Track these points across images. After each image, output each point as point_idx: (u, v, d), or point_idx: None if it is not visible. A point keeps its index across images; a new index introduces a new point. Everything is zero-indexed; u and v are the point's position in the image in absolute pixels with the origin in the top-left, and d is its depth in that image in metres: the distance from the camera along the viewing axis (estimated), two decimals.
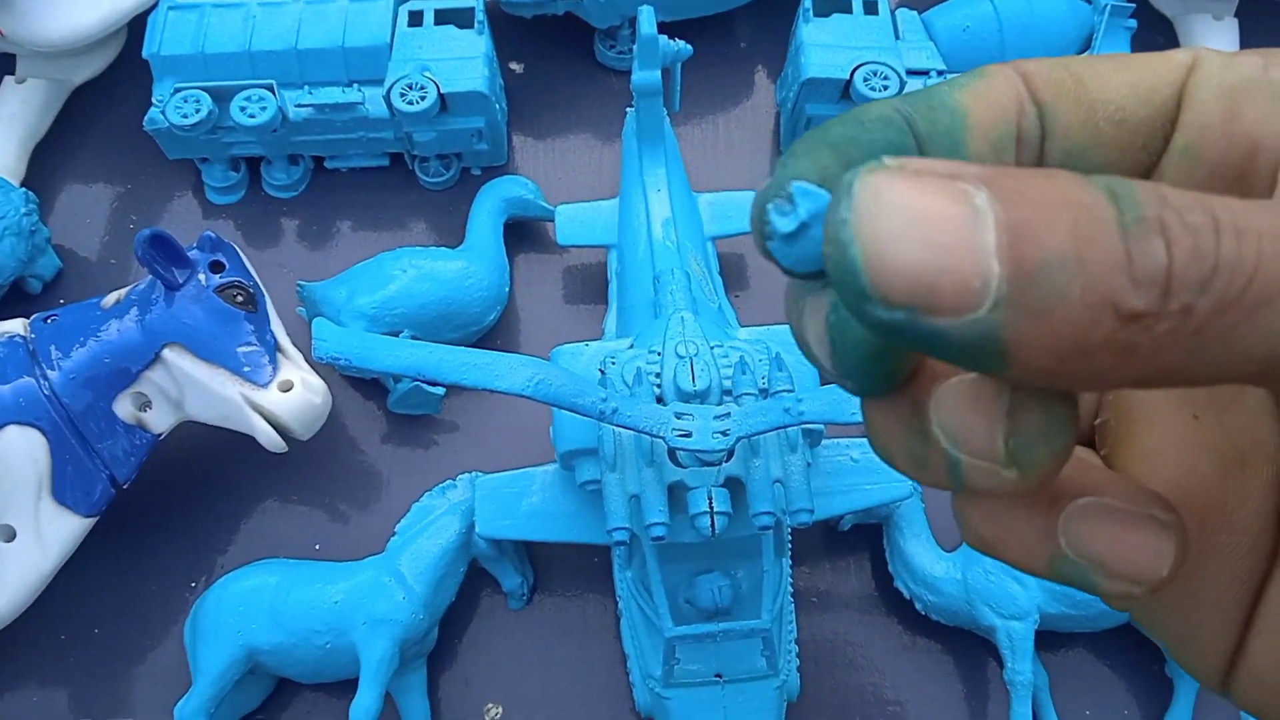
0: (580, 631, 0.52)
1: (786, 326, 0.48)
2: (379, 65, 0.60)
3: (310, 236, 0.63)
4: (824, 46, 0.59)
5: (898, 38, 0.60)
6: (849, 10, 0.61)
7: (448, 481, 0.51)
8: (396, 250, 0.58)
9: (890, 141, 0.15)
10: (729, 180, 0.62)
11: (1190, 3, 0.65)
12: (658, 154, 0.53)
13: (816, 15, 0.60)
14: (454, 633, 0.52)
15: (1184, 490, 0.16)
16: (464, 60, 0.59)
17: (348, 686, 0.48)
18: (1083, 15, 0.61)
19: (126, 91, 0.66)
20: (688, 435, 0.37)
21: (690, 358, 0.41)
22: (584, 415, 0.37)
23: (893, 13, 0.61)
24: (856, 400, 0.39)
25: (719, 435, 0.37)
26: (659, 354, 0.41)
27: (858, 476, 0.47)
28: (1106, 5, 0.59)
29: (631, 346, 0.43)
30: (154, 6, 0.62)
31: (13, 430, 0.46)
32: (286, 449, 0.48)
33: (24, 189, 0.59)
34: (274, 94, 0.59)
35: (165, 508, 0.55)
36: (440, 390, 0.55)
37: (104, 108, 0.67)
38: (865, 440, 0.47)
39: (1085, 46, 0.61)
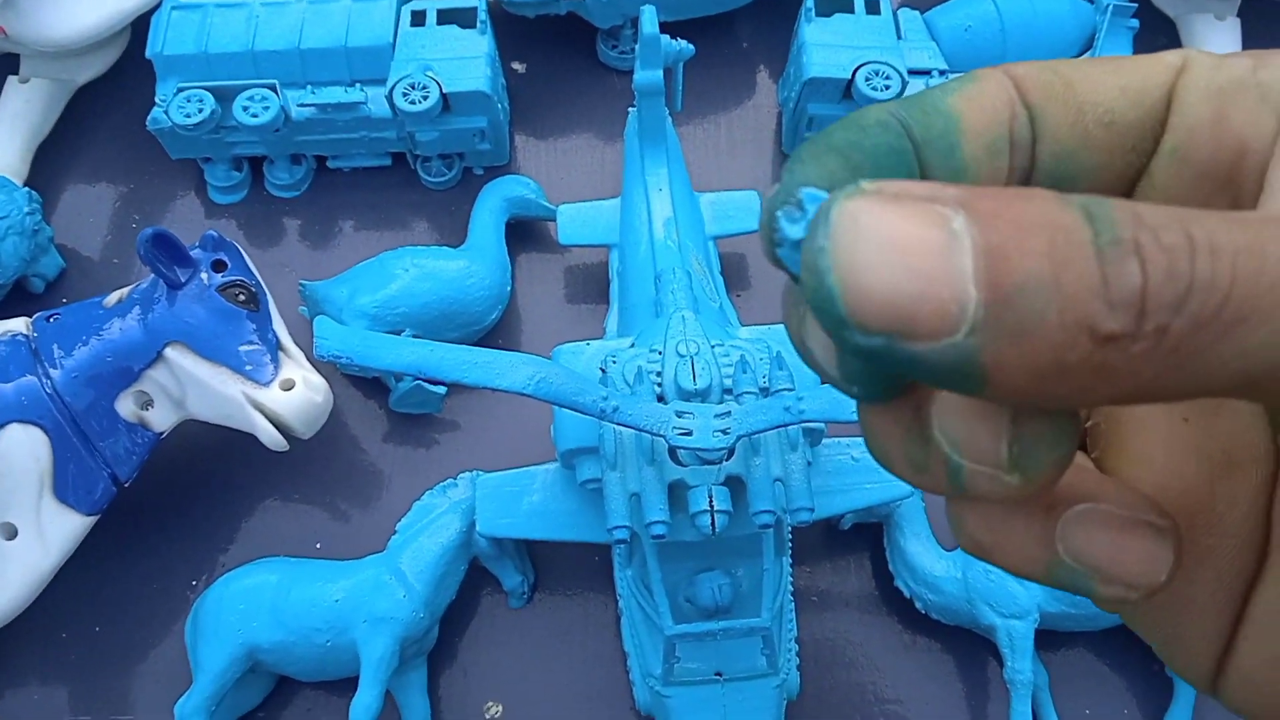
0: (580, 630, 0.52)
1: None
2: (381, 65, 0.60)
3: (312, 236, 0.63)
4: (826, 46, 0.59)
5: (900, 38, 0.60)
6: (851, 10, 0.61)
7: (448, 480, 0.51)
8: (398, 249, 0.58)
9: (891, 146, 0.15)
10: (730, 180, 0.62)
11: (1192, 3, 0.65)
12: (659, 154, 0.53)
13: (818, 15, 0.60)
14: (454, 631, 0.52)
15: (1174, 493, 0.16)
16: (466, 60, 0.60)
17: (348, 685, 0.48)
18: (1085, 15, 0.61)
19: (130, 91, 0.66)
20: (688, 434, 0.37)
21: (691, 356, 0.41)
22: (585, 414, 0.37)
23: (895, 12, 0.61)
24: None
25: (719, 434, 0.37)
26: (660, 353, 0.41)
27: (858, 475, 0.47)
28: (1109, 5, 0.59)
29: (632, 345, 0.44)
30: (157, 6, 0.62)
31: (15, 428, 0.46)
32: (288, 447, 0.49)
33: (27, 188, 0.59)
34: (277, 93, 0.59)
35: (167, 506, 0.55)
36: (441, 389, 0.55)
37: (107, 107, 0.67)
38: None
39: (1087, 47, 0.61)
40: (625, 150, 0.57)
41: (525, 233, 0.62)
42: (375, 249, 0.59)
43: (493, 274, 0.58)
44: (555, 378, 0.37)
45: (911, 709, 0.51)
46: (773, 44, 0.69)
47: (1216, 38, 0.64)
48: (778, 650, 0.43)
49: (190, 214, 0.64)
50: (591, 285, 0.61)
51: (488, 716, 0.51)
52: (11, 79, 0.64)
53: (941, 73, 0.60)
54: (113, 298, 0.50)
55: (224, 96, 0.59)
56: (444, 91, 0.58)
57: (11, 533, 0.47)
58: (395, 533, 0.51)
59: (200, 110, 0.59)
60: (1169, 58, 0.16)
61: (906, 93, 0.58)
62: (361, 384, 0.58)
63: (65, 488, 0.47)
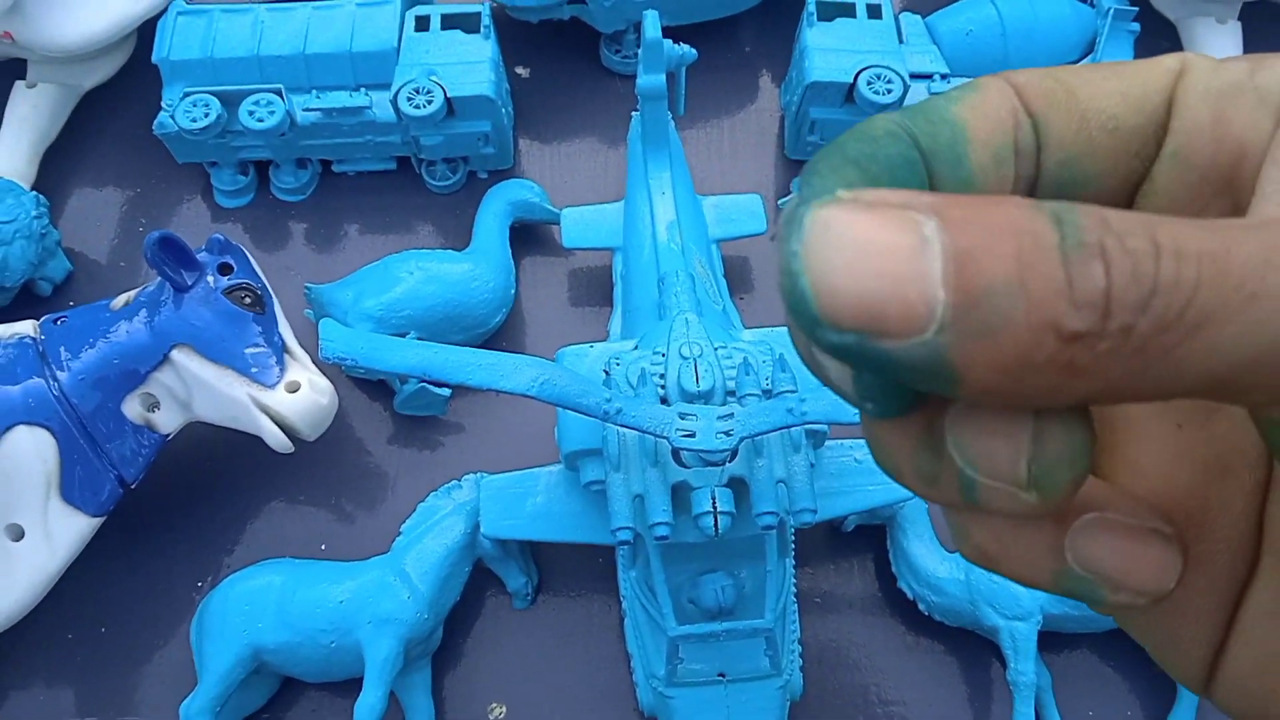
0: (584, 631, 0.52)
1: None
2: (386, 70, 0.60)
3: (318, 239, 0.64)
4: (828, 50, 0.59)
5: (901, 41, 0.61)
6: (853, 14, 0.61)
7: (453, 482, 0.52)
8: (403, 253, 0.58)
9: (904, 156, 0.15)
10: (733, 183, 0.63)
11: (1193, 6, 0.65)
12: (662, 157, 0.53)
13: (820, 19, 0.61)
14: (459, 632, 0.53)
15: (1167, 499, 0.16)
16: (470, 65, 0.60)
17: (353, 685, 0.48)
18: (1086, 19, 0.61)
19: (136, 96, 0.66)
20: (691, 435, 0.37)
21: (694, 359, 0.41)
22: (589, 415, 0.37)
23: (896, 17, 0.62)
24: None
25: (722, 435, 0.37)
26: (663, 355, 0.42)
27: (861, 477, 0.47)
28: (1110, 9, 0.59)
29: (636, 348, 0.44)
30: (164, 12, 0.62)
31: (22, 430, 0.47)
32: (293, 449, 0.49)
33: (34, 192, 0.59)
34: (282, 98, 0.59)
35: (172, 508, 0.55)
36: (446, 391, 0.56)
37: (114, 112, 0.68)
38: None
39: (1089, 50, 0.61)
40: (628, 154, 0.57)
41: (529, 236, 0.63)
42: (380, 252, 0.59)
43: (497, 277, 0.58)
44: (559, 380, 0.37)
45: (914, 710, 0.51)
46: (775, 48, 0.69)
47: (1217, 41, 0.64)
48: (781, 651, 0.43)
49: (196, 218, 0.65)
50: (595, 288, 0.61)
51: (492, 717, 0.51)
52: (19, 84, 0.64)
53: (943, 76, 0.60)
54: (119, 300, 0.50)
55: (230, 101, 0.60)
56: (448, 96, 0.59)
57: (18, 534, 0.47)
58: (400, 534, 0.51)
59: (206, 115, 0.59)
60: (1168, 62, 0.16)
61: (908, 96, 0.58)
62: (366, 386, 0.59)
63: (72, 489, 0.48)
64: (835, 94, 0.60)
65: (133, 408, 0.49)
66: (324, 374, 0.50)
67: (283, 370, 0.49)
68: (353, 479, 0.56)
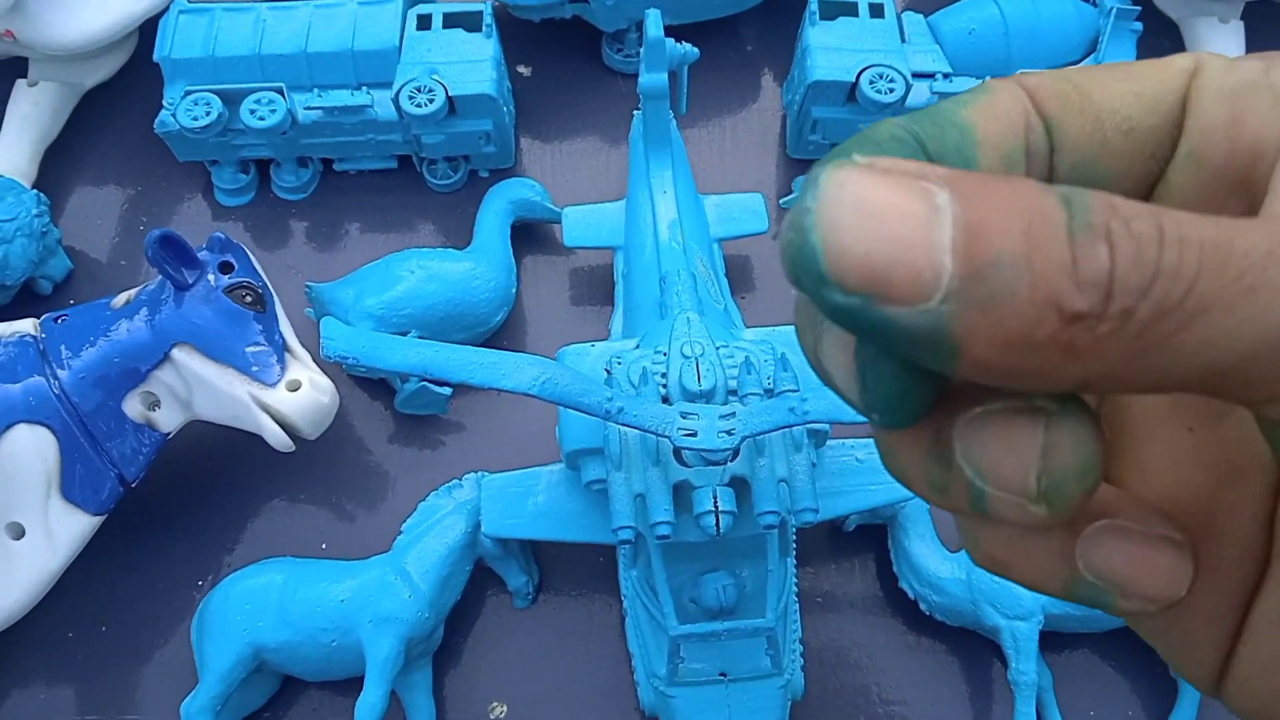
0: (585, 630, 0.52)
1: (791, 327, 0.48)
2: (388, 68, 0.60)
3: (319, 238, 0.64)
4: (830, 50, 0.59)
5: (903, 41, 0.60)
6: (855, 14, 0.61)
7: (454, 481, 0.52)
8: (404, 251, 0.58)
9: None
10: (735, 182, 0.63)
11: (1196, 6, 0.65)
12: (664, 156, 0.53)
13: (822, 18, 0.61)
14: (459, 631, 0.53)
15: (1178, 503, 0.16)
16: (472, 63, 0.60)
17: (353, 684, 0.48)
18: (1088, 19, 0.61)
19: (137, 94, 0.66)
20: (693, 434, 0.37)
21: (696, 358, 0.41)
22: (590, 414, 0.37)
23: (898, 16, 0.61)
24: None
25: (724, 435, 0.37)
26: (665, 354, 0.42)
27: (862, 477, 0.47)
28: (1112, 8, 0.59)
29: (638, 347, 0.44)
30: (165, 10, 0.62)
31: (22, 429, 0.47)
32: (294, 448, 0.49)
33: (35, 191, 0.59)
34: (283, 97, 0.59)
35: (173, 506, 0.55)
36: (447, 390, 0.56)
37: (115, 110, 0.68)
38: (871, 441, 0.48)
39: (1091, 50, 0.61)
40: (630, 153, 0.57)
41: (530, 235, 0.63)
42: (381, 251, 0.59)
43: (498, 276, 0.58)
44: (561, 378, 0.37)
45: (915, 710, 0.51)
46: (777, 47, 0.69)
47: (1220, 41, 0.64)
48: (782, 651, 0.43)
49: (197, 216, 0.65)
50: (596, 287, 0.61)
51: (492, 717, 0.51)
52: (20, 82, 0.64)
53: (945, 75, 0.60)
54: (120, 299, 0.50)
55: (231, 100, 0.60)
56: (450, 95, 0.59)
57: (19, 532, 0.47)
58: (401, 533, 0.51)
59: (208, 113, 0.59)
60: (1181, 61, 0.16)
61: (911, 95, 0.58)
62: (367, 385, 0.58)
63: (72, 488, 0.48)
64: (837, 93, 0.59)
65: (133, 406, 0.49)
66: (325, 373, 0.50)
67: (284, 369, 0.49)
68: (353, 478, 0.56)
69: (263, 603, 0.48)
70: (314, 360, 0.51)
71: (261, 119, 0.59)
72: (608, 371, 0.42)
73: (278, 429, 0.48)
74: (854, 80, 0.58)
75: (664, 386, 0.40)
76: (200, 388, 0.49)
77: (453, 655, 0.52)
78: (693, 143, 0.64)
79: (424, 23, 0.61)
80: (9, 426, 0.46)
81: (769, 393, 0.40)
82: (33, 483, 0.47)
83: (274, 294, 0.51)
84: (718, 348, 0.42)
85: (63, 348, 0.48)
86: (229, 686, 0.47)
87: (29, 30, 0.60)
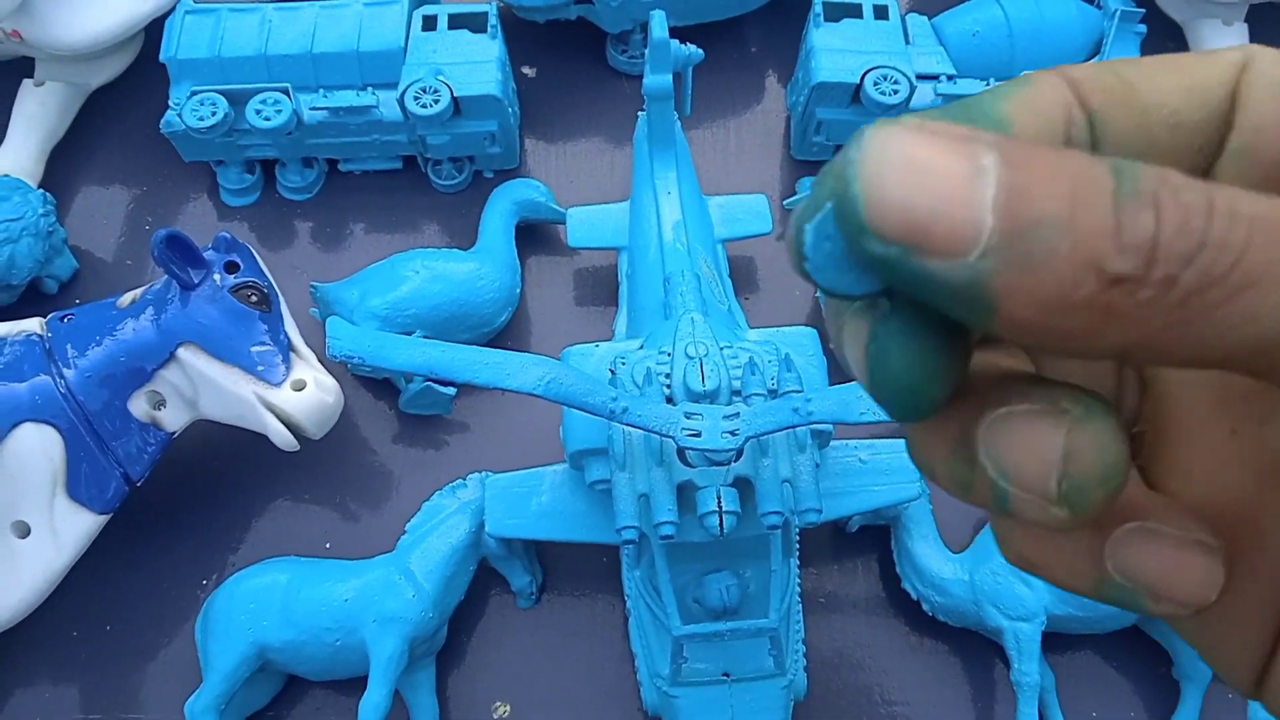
0: (588, 630, 0.53)
1: (796, 328, 0.48)
2: (393, 69, 0.60)
3: (324, 238, 0.64)
4: (834, 51, 0.59)
5: (908, 42, 0.61)
6: (859, 15, 0.61)
7: (458, 481, 0.52)
8: (409, 252, 0.58)
9: None
10: (739, 184, 0.63)
11: (1199, 8, 0.65)
12: (668, 157, 0.54)
13: (827, 20, 0.61)
14: (463, 631, 0.53)
15: (1218, 505, 0.16)
16: (477, 64, 0.60)
17: (357, 684, 0.48)
18: (1092, 20, 0.61)
19: (143, 94, 0.67)
20: (697, 435, 0.37)
21: (700, 358, 0.41)
22: (594, 414, 0.37)
23: (903, 17, 0.62)
24: (865, 401, 0.39)
25: (728, 435, 0.37)
26: (669, 354, 0.42)
27: (866, 478, 0.47)
28: (1116, 10, 0.59)
29: (642, 347, 0.44)
30: (171, 10, 0.62)
31: (28, 428, 0.47)
32: (299, 448, 0.49)
33: (41, 190, 0.59)
34: (289, 97, 0.60)
35: (178, 505, 0.55)
36: (451, 390, 0.56)
37: (121, 110, 0.68)
38: (874, 442, 0.48)
39: (1094, 52, 0.61)
40: (634, 154, 0.57)
41: (535, 235, 0.63)
42: (386, 251, 0.59)
43: (503, 276, 0.58)
44: (565, 379, 0.37)
45: (918, 710, 0.51)
46: (781, 49, 0.69)
47: (1223, 43, 0.64)
48: (785, 651, 0.43)
49: (203, 216, 0.65)
50: (601, 287, 0.61)
51: (496, 716, 0.51)
52: (26, 82, 0.65)
53: (949, 77, 0.60)
54: (126, 298, 0.51)
55: (237, 100, 0.60)
56: (455, 95, 0.59)
57: (24, 531, 0.47)
58: (405, 533, 0.51)
59: (213, 113, 0.59)
60: (1231, 55, 0.16)
61: (915, 97, 0.58)
62: (372, 385, 0.59)
63: (78, 486, 0.48)
64: (841, 94, 0.60)
65: (139, 405, 0.49)
66: (330, 372, 0.50)
67: (289, 368, 0.49)
68: (358, 478, 0.56)
69: (267, 602, 0.48)
70: (319, 360, 0.51)
71: (267, 119, 0.59)
72: (612, 372, 0.42)
73: (283, 428, 0.48)
74: (858, 82, 0.58)
75: (668, 387, 0.41)
76: (205, 387, 0.49)
77: (456, 655, 0.52)
78: (697, 144, 0.64)
79: (429, 24, 0.62)
80: (15, 425, 0.47)
81: (773, 393, 0.40)
82: (38, 481, 0.47)
83: (279, 294, 0.52)
84: (722, 348, 0.42)
85: (69, 347, 0.48)
86: (233, 686, 0.47)
87: (36, 30, 0.60)
